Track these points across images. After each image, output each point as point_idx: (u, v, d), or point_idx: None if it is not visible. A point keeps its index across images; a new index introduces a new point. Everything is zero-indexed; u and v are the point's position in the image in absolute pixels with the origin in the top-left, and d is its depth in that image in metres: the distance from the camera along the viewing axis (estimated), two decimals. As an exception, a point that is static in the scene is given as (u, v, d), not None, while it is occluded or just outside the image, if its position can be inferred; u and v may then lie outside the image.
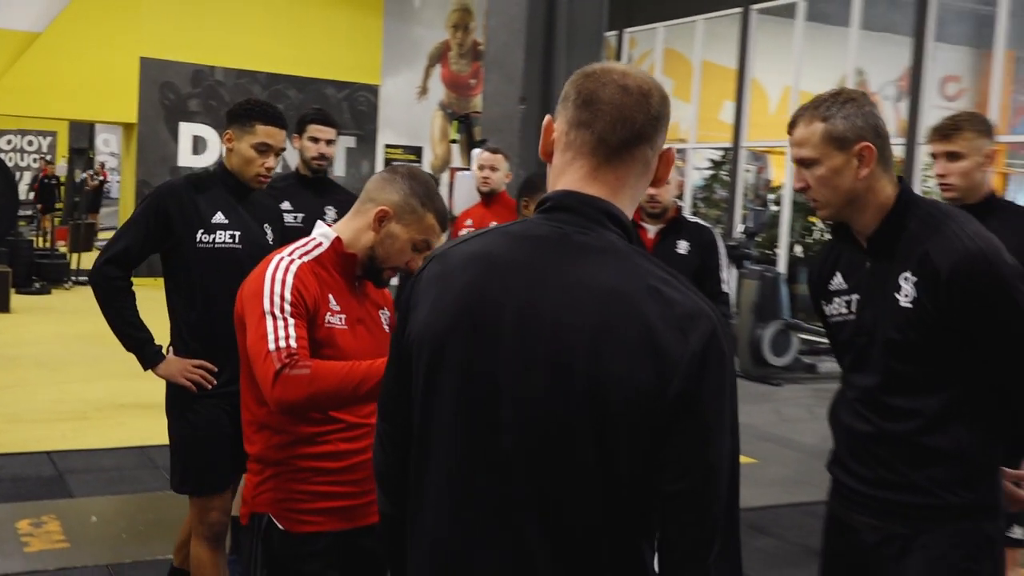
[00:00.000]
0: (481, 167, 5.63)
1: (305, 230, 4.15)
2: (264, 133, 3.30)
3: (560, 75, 5.84)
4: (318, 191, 4.33)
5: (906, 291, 2.16)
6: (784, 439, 7.66)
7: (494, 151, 5.67)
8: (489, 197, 5.61)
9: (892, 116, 19.38)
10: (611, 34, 15.90)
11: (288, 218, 4.12)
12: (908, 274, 2.17)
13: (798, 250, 14.02)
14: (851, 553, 2.33)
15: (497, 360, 1.39)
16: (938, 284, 2.11)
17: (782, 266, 12.73)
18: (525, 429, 1.37)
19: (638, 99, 1.43)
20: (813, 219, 14.30)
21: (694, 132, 15.14)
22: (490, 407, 1.39)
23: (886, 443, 2.22)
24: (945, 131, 3.27)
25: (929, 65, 11.85)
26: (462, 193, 6.24)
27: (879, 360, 2.23)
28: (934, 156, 3.32)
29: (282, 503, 2.25)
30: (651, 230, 4.22)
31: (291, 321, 2.18)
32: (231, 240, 3.33)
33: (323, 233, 2.41)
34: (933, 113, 13.52)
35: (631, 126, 1.42)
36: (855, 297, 2.28)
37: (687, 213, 4.71)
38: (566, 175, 1.46)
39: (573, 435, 1.35)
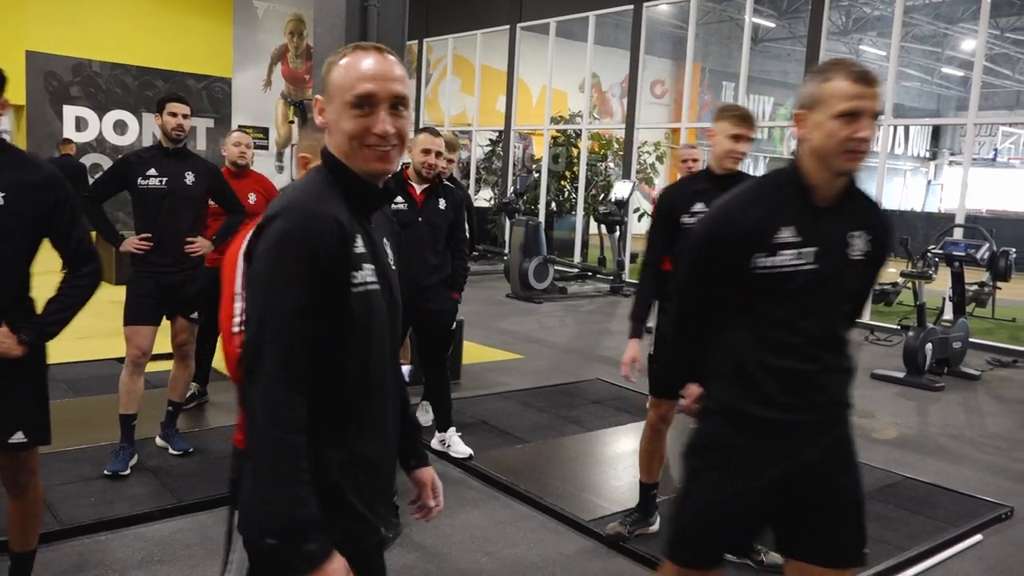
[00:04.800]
0: (237, 144, 4.94)
1: (168, 191, 4.00)
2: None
3: (374, 72, 5.69)
4: (178, 159, 4.05)
5: (857, 246, 1.95)
6: (543, 341, 7.82)
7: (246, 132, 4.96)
8: (243, 169, 4.93)
9: (618, 109, 20.10)
10: (413, 42, 15.64)
11: (154, 181, 3.95)
12: (859, 232, 1.95)
13: (553, 206, 14.37)
14: (785, 477, 1.96)
15: None
16: (884, 243, 2.02)
17: (542, 217, 13.03)
18: None
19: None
20: (564, 183, 14.70)
21: (477, 118, 15.16)
22: None
23: (826, 374, 1.97)
24: (753, 120, 3.12)
25: (642, 72, 12.27)
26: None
27: (833, 305, 1.97)
28: (739, 137, 3.06)
29: None
30: (419, 189, 4.15)
31: None
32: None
33: None
34: (646, 107, 14.10)
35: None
36: (813, 249, 1.90)
37: (471, 179, 4.65)
38: None
39: None
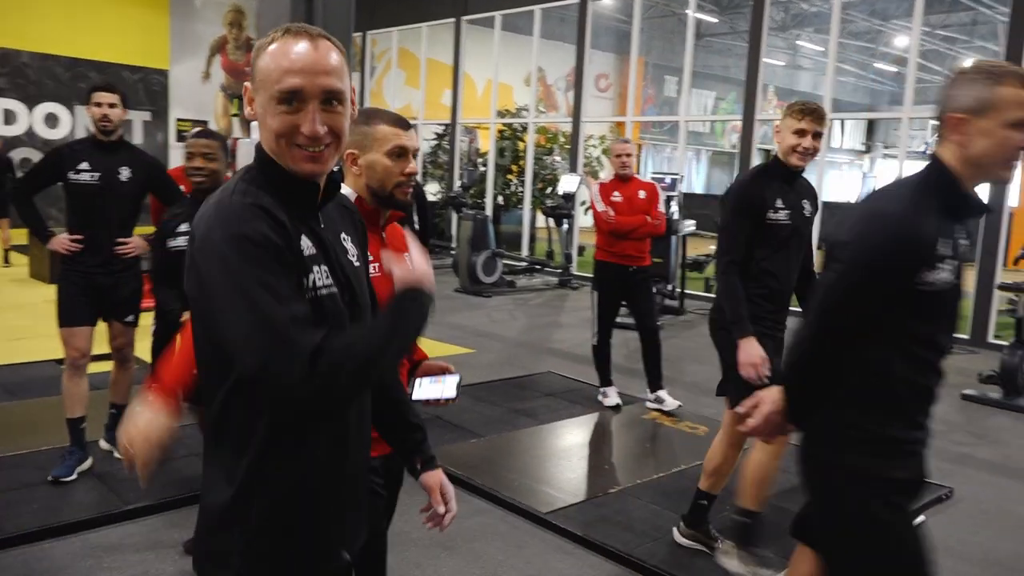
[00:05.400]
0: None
1: (100, 187, 3.78)
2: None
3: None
4: (111, 152, 3.80)
5: (966, 257, 1.86)
6: (493, 335, 7.83)
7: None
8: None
9: (563, 102, 20.18)
10: (357, 35, 15.45)
11: (85, 176, 3.75)
12: (965, 241, 1.86)
13: (500, 200, 14.37)
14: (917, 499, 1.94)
15: None
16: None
17: (489, 211, 13.02)
18: None
19: None
20: (510, 177, 14.70)
21: (422, 112, 15.08)
22: None
23: (941, 389, 1.91)
24: (820, 114, 3.02)
25: (587, 66, 12.33)
26: (244, 157, 5.86)
27: (956, 318, 1.91)
28: (803, 132, 2.98)
29: None
30: None
31: None
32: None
33: (345, 194, 1.89)
34: (591, 101, 14.18)
35: None
36: (956, 263, 1.79)
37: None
38: None
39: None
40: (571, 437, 5.02)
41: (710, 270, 11.08)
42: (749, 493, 3.16)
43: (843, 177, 28.69)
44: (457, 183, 13.13)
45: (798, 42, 23.53)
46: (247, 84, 1.34)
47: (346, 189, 1.90)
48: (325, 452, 1.38)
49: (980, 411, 6.00)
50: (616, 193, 5.42)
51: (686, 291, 9.46)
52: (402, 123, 1.92)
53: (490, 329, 8.12)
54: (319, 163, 1.32)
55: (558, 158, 14.48)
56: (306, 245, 1.30)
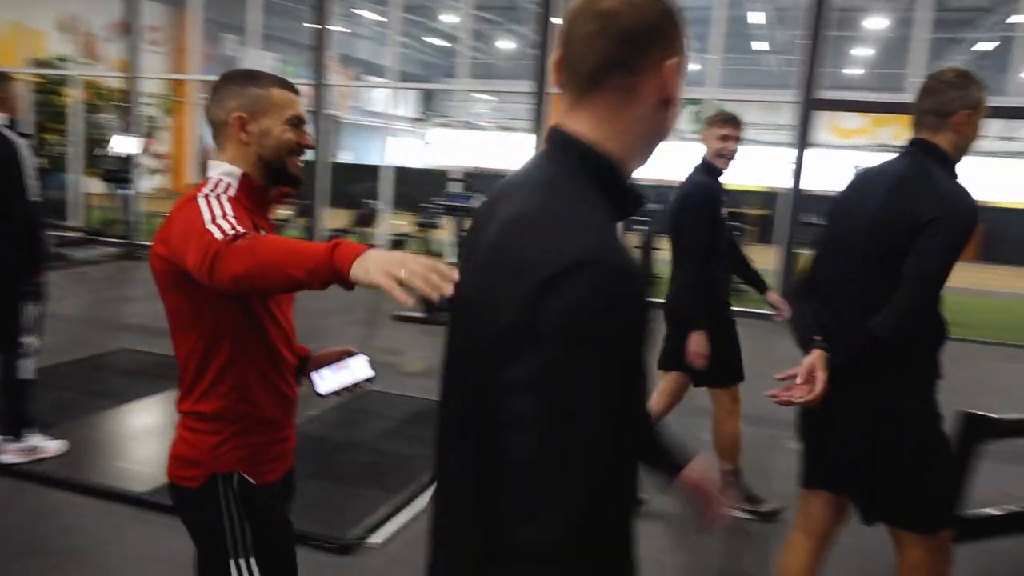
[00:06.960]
0: None
1: None
2: None
3: None
4: None
5: None
6: (51, 315, 6.98)
7: None
8: None
9: (109, 55, 18.24)
10: None
11: None
12: None
13: (45, 162, 12.62)
14: None
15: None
16: None
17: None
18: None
19: (604, 24, 1.01)
20: (50, 136, 12.93)
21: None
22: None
23: None
24: (738, 122, 3.46)
25: (142, 16, 11.39)
26: None
27: None
28: (727, 137, 3.44)
29: (250, 459, 1.72)
30: None
31: (234, 220, 1.54)
32: None
33: (227, 172, 1.69)
34: (145, 56, 13.12)
35: (595, 55, 1.02)
36: None
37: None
38: (560, 107, 1.11)
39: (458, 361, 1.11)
40: (160, 414, 4.77)
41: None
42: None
43: (402, 143, 30.48)
44: None
45: (354, 10, 24.22)
46: (671, 61, 1.04)
47: (223, 166, 1.70)
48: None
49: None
50: None
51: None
52: (293, 87, 1.76)
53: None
54: None
55: (110, 116, 13.16)
56: None
